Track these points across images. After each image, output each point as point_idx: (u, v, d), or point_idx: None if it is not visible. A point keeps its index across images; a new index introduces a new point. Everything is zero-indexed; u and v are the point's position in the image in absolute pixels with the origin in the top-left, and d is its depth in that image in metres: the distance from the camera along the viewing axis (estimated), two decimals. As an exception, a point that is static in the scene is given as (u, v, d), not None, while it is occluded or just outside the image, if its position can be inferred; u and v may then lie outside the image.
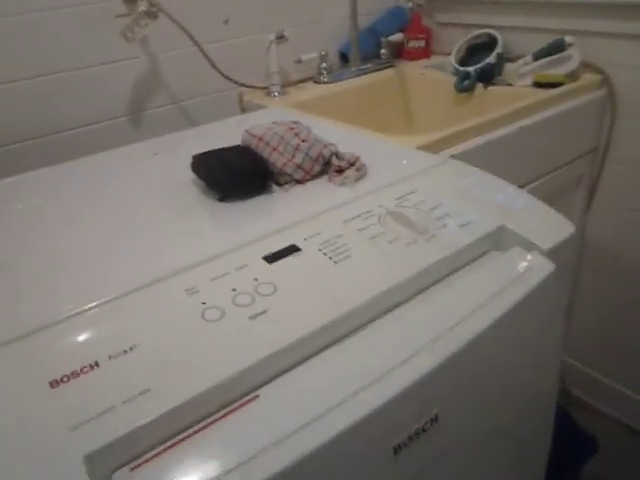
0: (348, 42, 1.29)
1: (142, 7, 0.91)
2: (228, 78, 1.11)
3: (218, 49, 1.09)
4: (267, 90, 1.17)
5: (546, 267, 0.58)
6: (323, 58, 1.23)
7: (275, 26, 1.14)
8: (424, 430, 0.48)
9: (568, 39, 1.10)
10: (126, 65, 1.02)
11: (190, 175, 0.71)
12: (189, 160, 0.71)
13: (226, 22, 1.10)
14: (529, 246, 0.59)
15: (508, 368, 0.58)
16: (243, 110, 1.18)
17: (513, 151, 1.00)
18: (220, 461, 0.39)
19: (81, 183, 0.75)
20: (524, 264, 0.58)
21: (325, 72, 1.24)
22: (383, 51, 1.33)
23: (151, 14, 0.91)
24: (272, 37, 1.12)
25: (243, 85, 1.15)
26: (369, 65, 1.31)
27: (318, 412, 0.42)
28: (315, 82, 1.26)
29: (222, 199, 0.66)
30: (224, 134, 0.92)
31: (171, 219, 0.63)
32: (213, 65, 1.07)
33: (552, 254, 0.59)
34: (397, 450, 0.46)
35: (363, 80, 1.28)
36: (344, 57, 1.32)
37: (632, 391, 1.35)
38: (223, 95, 1.15)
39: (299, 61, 1.19)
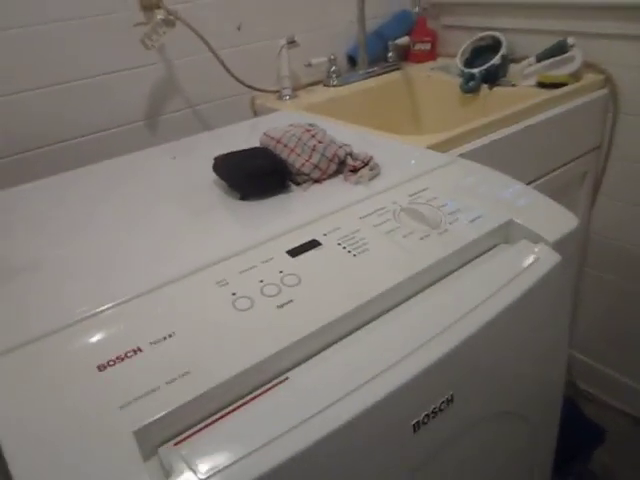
0: (356, 46, 1.33)
1: (160, 16, 0.95)
2: (242, 83, 1.15)
3: (231, 54, 1.13)
4: (279, 94, 1.21)
5: (552, 258, 0.61)
6: (332, 62, 1.27)
7: (286, 31, 1.18)
8: (441, 409, 0.51)
9: (570, 40, 1.13)
10: (143, 72, 1.06)
11: (211, 176, 0.75)
12: (208, 162, 0.75)
13: (239, 28, 1.13)
14: (536, 238, 0.63)
15: (518, 354, 0.61)
16: (255, 113, 1.22)
17: (519, 149, 1.03)
18: (255, 437, 0.42)
19: (105, 186, 0.79)
20: (532, 256, 0.61)
21: (334, 75, 1.28)
22: (390, 54, 1.37)
23: (169, 22, 0.94)
24: (283, 42, 1.15)
25: (256, 89, 1.19)
26: (376, 68, 1.35)
27: (344, 392, 0.46)
28: (324, 85, 1.29)
29: (243, 198, 0.70)
30: (239, 137, 0.95)
31: (197, 217, 0.67)
32: (228, 71, 1.11)
33: (558, 246, 0.62)
34: (416, 427, 0.49)
35: (371, 82, 1.32)
36: (352, 60, 1.36)
37: (638, 383, 1.38)
38: (236, 99, 1.19)
39: (309, 65, 1.23)
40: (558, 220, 0.65)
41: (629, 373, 1.39)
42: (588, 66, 1.15)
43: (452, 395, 0.52)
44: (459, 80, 1.28)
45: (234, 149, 0.75)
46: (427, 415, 0.50)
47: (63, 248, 0.62)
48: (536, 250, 0.62)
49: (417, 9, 1.15)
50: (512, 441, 0.67)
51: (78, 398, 0.42)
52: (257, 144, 0.78)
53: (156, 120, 1.11)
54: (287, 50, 1.16)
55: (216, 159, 0.74)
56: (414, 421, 0.49)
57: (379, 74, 1.35)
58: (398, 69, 1.38)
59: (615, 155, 1.22)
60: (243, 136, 0.97)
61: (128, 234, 0.64)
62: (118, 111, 1.06)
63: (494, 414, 0.60)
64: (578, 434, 1.06)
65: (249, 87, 1.16)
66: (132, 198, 0.73)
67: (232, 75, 1.12)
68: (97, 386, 0.43)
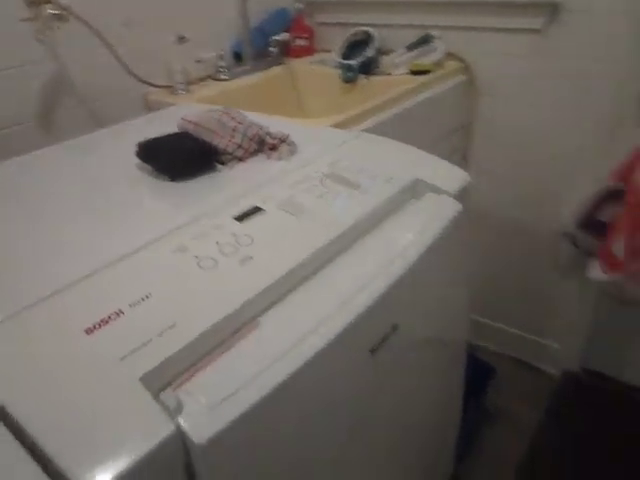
0: (240, 42, 1.38)
1: (50, 10, 0.93)
2: (138, 78, 1.15)
3: (123, 51, 1.13)
4: (172, 89, 1.23)
5: (455, 206, 0.73)
6: (220, 57, 1.31)
7: (175, 27, 1.20)
8: (389, 336, 0.60)
9: (434, 33, 1.29)
10: (32, 69, 1.02)
11: (131, 164, 0.76)
12: (121, 153, 0.77)
13: (127, 25, 1.14)
14: (440, 192, 0.74)
15: (439, 288, 0.72)
16: (150, 109, 1.22)
17: (402, 127, 1.16)
18: (246, 371, 0.47)
19: (35, 180, 0.77)
20: (439, 205, 0.72)
21: (223, 70, 1.33)
22: (272, 49, 1.44)
23: (62, 17, 0.93)
24: (173, 38, 1.18)
25: (151, 84, 1.20)
26: (261, 62, 1.42)
27: (310, 328, 0.52)
28: (214, 79, 1.33)
29: (173, 179, 0.73)
30: (144, 130, 0.96)
31: (136, 198, 0.69)
32: (124, 66, 1.11)
33: (458, 197, 0.74)
34: (373, 351, 0.57)
35: (258, 76, 1.38)
36: (237, 56, 1.41)
37: (515, 328, 1.60)
38: (129, 95, 1.19)
39: (199, 60, 1.26)
40: (454, 176, 0.78)
41: (506, 321, 1.61)
42: (450, 55, 1.32)
43: (396, 324, 0.61)
44: (339, 72, 1.39)
45: (137, 142, 0.76)
46: (380, 341, 0.59)
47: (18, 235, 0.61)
48: (441, 201, 0.73)
49: (299, 5, 1.24)
50: (438, 361, 0.79)
51: (75, 359, 0.44)
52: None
53: (49, 119, 1.08)
54: (178, 46, 1.19)
55: (139, 145, 0.76)
56: (371, 346, 0.57)
57: (264, 68, 1.42)
58: (281, 63, 1.46)
59: (478, 131, 1.41)
60: (148, 129, 0.97)
61: (71, 218, 0.64)
62: (8, 110, 1.01)
63: (426, 339, 0.70)
64: (473, 373, 1.21)
65: (145, 82, 1.17)
66: (65, 190, 0.73)
67: (129, 71, 1.12)
68: (90, 347, 0.45)
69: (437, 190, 0.74)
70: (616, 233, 1.18)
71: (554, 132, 1.30)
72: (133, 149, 0.76)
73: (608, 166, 1.20)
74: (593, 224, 1.25)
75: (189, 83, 1.27)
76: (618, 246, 1.17)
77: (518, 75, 1.29)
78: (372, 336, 0.58)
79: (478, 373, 1.31)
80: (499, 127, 1.37)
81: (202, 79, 1.33)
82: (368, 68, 1.39)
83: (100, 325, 0.47)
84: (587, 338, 1.49)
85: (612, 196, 1.21)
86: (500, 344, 1.63)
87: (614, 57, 1.16)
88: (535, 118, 1.31)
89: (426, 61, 1.31)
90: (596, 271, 1.21)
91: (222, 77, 1.33)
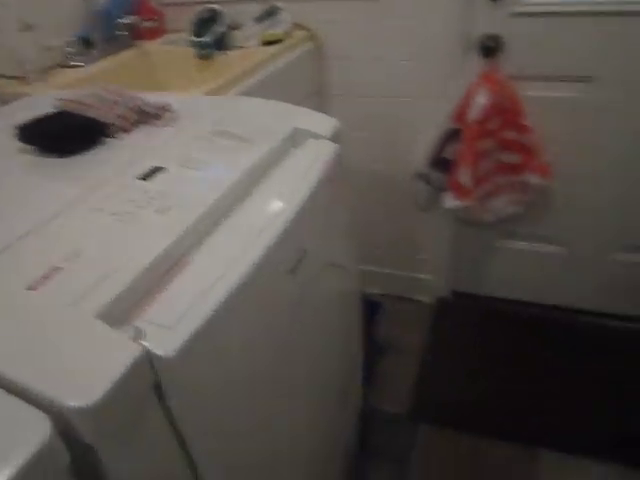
0: (87, 27, 1.35)
1: None
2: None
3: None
4: (25, 79, 1.18)
5: (333, 147, 0.82)
6: (69, 44, 1.28)
7: (20, 15, 1.15)
8: (302, 259, 0.68)
9: (279, 5, 1.38)
10: None
11: (13, 148, 0.75)
12: None
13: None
14: (317, 137, 0.83)
15: (332, 217, 0.82)
16: (3, 101, 1.16)
17: (262, 95, 1.22)
18: (186, 300, 0.53)
19: None
20: (320, 147, 0.81)
21: (74, 56, 1.29)
22: (122, 33, 1.43)
23: None
24: (19, 26, 1.13)
25: (1, 76, 1.14)
26: (111, 47, 1.40)
27: (235, 256, 0.59)
28: (66, 67, 1.30)
29: (62, 156, 0.74)
30: (9, 119, 0.93)
31: (31, 178, 0.69)
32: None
33: (332, 140, 0.84)
34: (291, 272, 0.65)
35: (111, 61, 1.37)
36: (87, 41, 1.37)
37: (392, 269, 1.77)
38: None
39: (48, 48, 1.22)
40: (326, 123, 0.87)
41: (381, 264, 1.78)
42: (297, 25, 1.42)
43: (306, 249, 0.70)
44: (193, 50, 1.42)
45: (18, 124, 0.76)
46: (296, 264, 0.67)
47: None
48: (321, 144, 0.82)
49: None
50: (339, 286, 0.89)
51: (28, 312, 0.47)
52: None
53: None
54: (24, 34, 1.14)
55: (20, 128, 0.75)
56: (289, 268, 0.65)
57: (115, 52, 1.40)
58: (132, 46, 1.45)
59: (332, 93, 1.53)
60: (16, 117, 0.95)
61: None
62: None
63: (327, 263, 0.80)
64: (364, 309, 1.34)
65: (-6, 74, 1.11)
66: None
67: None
68: (40, 300, 0.48)
69: (315, 136, 0.83)
70: (461, 166, 1.37)
71: (398, 85, 1.46)
72: (8, 135, 0.75)
73: (446, 110, 1.39)
74: (441, 162, 1.44)
75: (41, 72, 1.22)
76: (465, 177, 1.36)
77: (360, 38, 1.43)
78: (288, 259, 0.66)
79: (367, 310, 1.44)
80: (351, 87, 1.50)
81: (53, 67, 1.28)
82: (221, 43, 1.43)
83: (42, 281, 0.49)
84: (452, 264, 1.71)
85: (453, 136, 1.40)
86: (381, 286, 1.80)
87: (435, 16, 1.34)
88: (381, 76, 1.46)
89: (276, 31, 1.40)
90: (450, 201, 1.40)
91: (74, 64, 1.29)
